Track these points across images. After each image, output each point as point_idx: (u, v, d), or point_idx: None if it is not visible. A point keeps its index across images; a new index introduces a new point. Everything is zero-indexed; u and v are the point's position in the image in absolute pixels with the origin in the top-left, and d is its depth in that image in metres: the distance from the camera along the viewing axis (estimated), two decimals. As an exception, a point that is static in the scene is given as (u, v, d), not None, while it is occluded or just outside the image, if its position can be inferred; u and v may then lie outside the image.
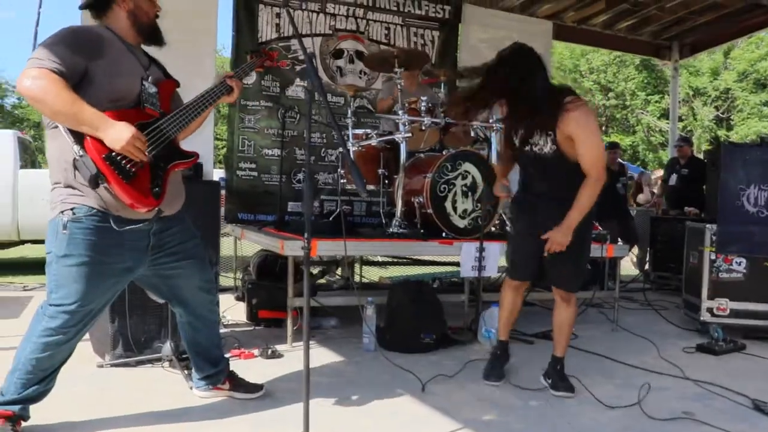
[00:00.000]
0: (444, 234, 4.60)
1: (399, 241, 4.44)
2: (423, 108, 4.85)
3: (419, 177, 4.68)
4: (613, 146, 8.51)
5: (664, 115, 27.63)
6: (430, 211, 4.56)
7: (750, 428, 2.97)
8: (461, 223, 4.71)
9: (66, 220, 2.31)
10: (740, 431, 2.91)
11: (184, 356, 3.37)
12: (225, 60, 12.58)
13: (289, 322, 4.03)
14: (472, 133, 5.13)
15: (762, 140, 4.99)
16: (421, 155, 4.99)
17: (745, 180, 4.76)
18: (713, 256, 4.84)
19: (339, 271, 6.46)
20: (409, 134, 4.69)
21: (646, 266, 7.96)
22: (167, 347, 3.47)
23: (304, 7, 6.52)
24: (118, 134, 2.23)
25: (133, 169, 2.31)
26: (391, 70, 4.93)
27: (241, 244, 6.31)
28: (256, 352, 3.80)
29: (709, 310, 4.84)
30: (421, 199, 4.59)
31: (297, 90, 6.51)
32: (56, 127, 2.30)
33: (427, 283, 5.27)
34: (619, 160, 8.59)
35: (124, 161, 2.28)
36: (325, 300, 4.37)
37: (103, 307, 2.57)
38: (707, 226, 4.86)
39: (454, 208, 4.69)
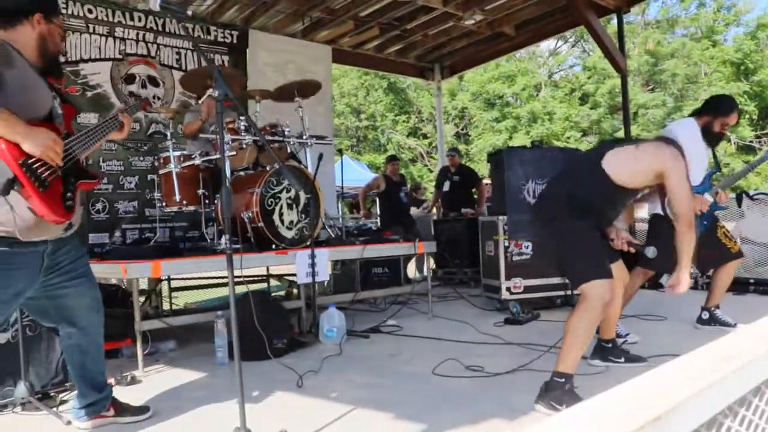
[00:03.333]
0: (274, 246, 4.79)
1: (242, 255, 4.51)
2: (242, 127, 5.01)
3: (246, 193, 4.82)
4: (392, 159, 9.28)
5: (411, 133, 30.12)
6: (261, 224, 4.72)
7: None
8: (289, 234, 4.94)
9: None
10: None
11: (41, 394, 3.20)
12: None
13: (138, 346, 3.94)
14: (289, 150, 5.37)
15: (533, 144, 5.91)
16: (241, 173, 5.14)
17: (524, 176, 5.63)
18: (507, 243, 5.64)
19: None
20: (234, 152, 4.82)
21: (432, 265, 8.78)
22: (21, 389, 3.23)
23: (91, 31, 6.29)
24: (37, 138, 2.18)
25: (49, 179, 2.25)
26: (204, 91, 5.02)
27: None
28: (112, 381, 3.65)
29: (508, 289, 5.62)
30: (251, 214, 4.74)
31: (89, 117, 6.22)
32: None
33: (268, 292, 5.40)
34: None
35: (40, 169, 2.22)
36: (172, 320, 4.31)
37: None
38: (499, 218, 5.65)
39: (282, 221, 4.91)
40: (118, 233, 6.31)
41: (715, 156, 4.55)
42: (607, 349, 3.71)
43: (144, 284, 6.03)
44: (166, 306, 6.48)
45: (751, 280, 6.59)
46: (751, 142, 25.36)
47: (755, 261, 6.93)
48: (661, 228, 4.10)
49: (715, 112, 4.36)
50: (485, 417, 2.81)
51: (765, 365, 0.81)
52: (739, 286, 6.44)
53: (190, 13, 2.62)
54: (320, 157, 5.15)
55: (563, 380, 2.85)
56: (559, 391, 2.83)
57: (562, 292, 5.79)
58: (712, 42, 26.20)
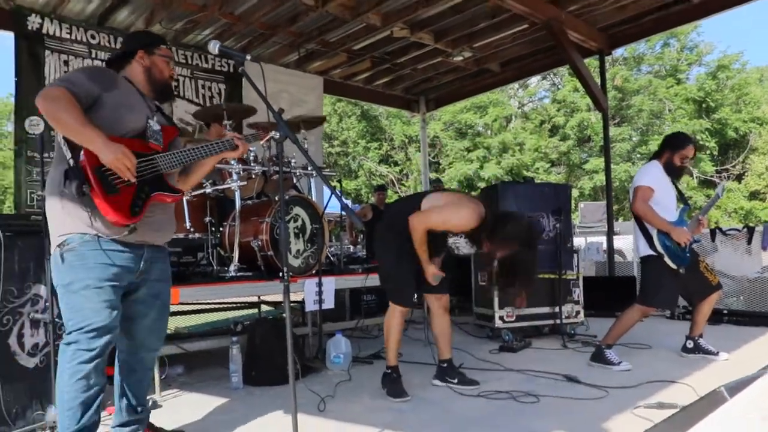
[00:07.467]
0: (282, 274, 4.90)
1: (253, 283, 4.64)
2: (251, 158, 5.15)
3: (255, 222, 4.95)
4: (380, 188, 9.47)
5: (383, 160, 30.42)
6: (270, 253, 4.85)
7: (572, 393, 3.83)
8: (296, 263, 5.07)
9: (61, 252, 2.50)
10: (567, 395, 3.77)
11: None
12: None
13: (156, 371, 4.01)
14: (295, 180, 5.53)
15: (525, 179, 6.15)
16: (249, 202, 5.26)
17: (518, 210, 5.85)
18: (500, 274, 5.83)
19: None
20: (244, 182, 4.96)
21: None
22: (52, 413, 3.29)
23: (93, 56, 6.39)
24: (110, 151, 2.42)
25: (118, 186, 2.48)
26: (215, 121, 5.20)
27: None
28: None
29: (501, 318, 5.81)
30: (260, 242, 4.87)
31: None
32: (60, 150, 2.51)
33: (279, 319, 5.51)
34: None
35: (111, 176, 2.46)
36: (189, 345, 4.40)
37: (117, 326, 2.62)
38: (493, 249, 5.85)
39: (289, 249, 5.04)
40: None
41: (679, 191, 4.88)
42: (443, 369, 4.13)
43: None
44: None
45: (725, 311, 6.89)
46: (711, 176, 26.28)
47: (727, 293, 7.26)
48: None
49: (672, 148, 4.75)
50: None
51: None
52: (714, 316, 6.74)
53: (214, 48, 2.85)
54: (333, 190, 5.30)
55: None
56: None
57: (550, 321, 6.01)
58: (676, 80, 27.16)
